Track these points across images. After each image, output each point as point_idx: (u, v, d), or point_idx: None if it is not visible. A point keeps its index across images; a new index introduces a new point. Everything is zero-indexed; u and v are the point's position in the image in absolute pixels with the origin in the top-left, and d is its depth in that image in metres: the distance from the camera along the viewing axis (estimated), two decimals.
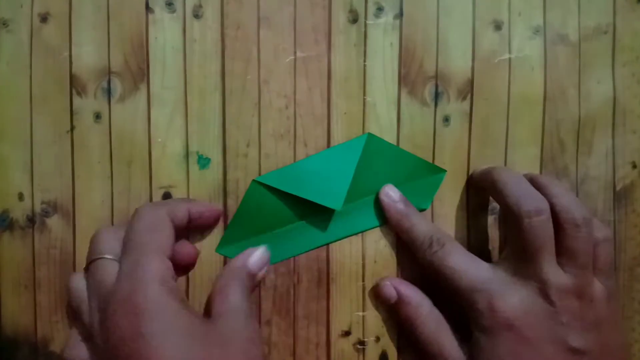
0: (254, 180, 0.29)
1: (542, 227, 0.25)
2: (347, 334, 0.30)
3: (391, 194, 0.29)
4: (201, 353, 0.21)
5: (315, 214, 0.29)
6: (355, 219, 0.30)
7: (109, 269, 0.23)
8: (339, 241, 0.30)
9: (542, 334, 0.25)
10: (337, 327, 0.30)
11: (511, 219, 0.26)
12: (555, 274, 0.25)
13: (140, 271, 0.22)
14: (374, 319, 0.30)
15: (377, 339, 0.30)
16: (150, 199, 0.29)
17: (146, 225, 0.24)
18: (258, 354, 0.23)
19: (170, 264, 0.24)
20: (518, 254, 0.26)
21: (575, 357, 0.25)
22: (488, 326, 0.26)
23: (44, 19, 0.29)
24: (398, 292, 0.29)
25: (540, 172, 0.31)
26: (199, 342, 0.22)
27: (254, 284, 0.26)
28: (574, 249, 0.25)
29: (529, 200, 0.26)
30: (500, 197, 0.27)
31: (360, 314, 0.30)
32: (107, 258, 0.24)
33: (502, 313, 0.25)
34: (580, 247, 0.25)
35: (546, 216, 0.25)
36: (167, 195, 0.29)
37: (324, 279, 0.30)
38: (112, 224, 0.29)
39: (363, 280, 0.30)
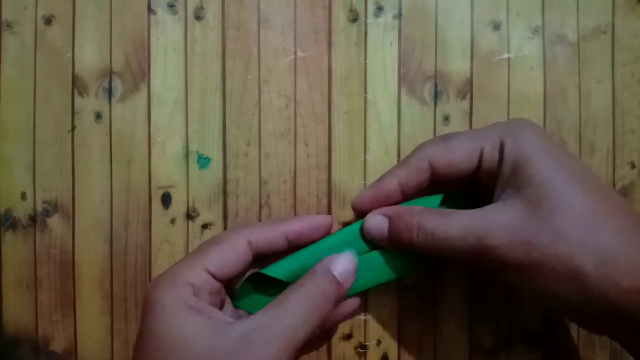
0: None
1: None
2: (348, 337, 0.29)
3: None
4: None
5: None
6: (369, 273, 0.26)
7: None
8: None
9: None
10: (338, 330, 0.29)
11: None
12: None
13: (164, 274, 0.23)
14: (375, 323, 0.29)
15: (379, 342, 0.29)
16: (149, 199, 0.29)
17: (214, 242, 0.24)
18: None
19: (205, 277, 0.23)
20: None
21: None
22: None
23: (48, 21, 0.29)
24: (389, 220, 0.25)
25: None
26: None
27: (339, 297, 0.23)
28: None
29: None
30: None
31: (362, 317, 0.29)
32: None
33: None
34: None
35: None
36: (166, 196, 0.29)
37: None
38: (111, 224, 0.29)
39: None
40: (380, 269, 0.26)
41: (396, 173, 0.25)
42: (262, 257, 0.26)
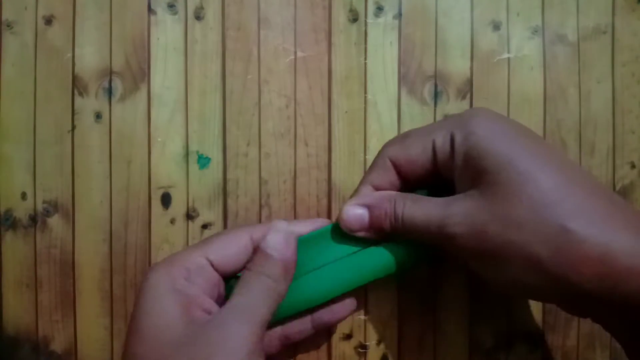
0: None
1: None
2: (348, 337, 0.29)
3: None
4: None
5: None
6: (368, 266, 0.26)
7: None
8: None
9: None
10: (338, 330, 0.29)
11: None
12: None
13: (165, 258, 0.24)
14: (375, 323, 0.29)
15: (379, 342, 0.29)
16: (149, 199, 0.29)
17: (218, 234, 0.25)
18: None
19: (203, 263, 0.23)
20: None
21: None
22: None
23: (48, 21, 0.29)
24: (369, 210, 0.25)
25: None
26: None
27: (283, 269, 0.23)
28: None
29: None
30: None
31: (362, 317, 0.29)
32: None
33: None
34: None
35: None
36: (166, 196, 0.29)
37: None
38: (111, 224, 0.29)
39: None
40: (378, 264, 0.25)
41: (367, 179, 0.26)
42: None
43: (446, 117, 0.25)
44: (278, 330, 0.26)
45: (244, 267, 0.24)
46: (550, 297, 0.22)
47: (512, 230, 0.20)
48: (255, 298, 0.22)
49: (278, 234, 0.24)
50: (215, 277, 0.24)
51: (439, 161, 0.23)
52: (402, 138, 0.25)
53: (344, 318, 0.27)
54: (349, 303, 0.27)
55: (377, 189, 0.25)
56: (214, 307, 0.23)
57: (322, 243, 0.25)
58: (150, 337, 0.21)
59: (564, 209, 0.20)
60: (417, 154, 0.24)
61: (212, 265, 0.24)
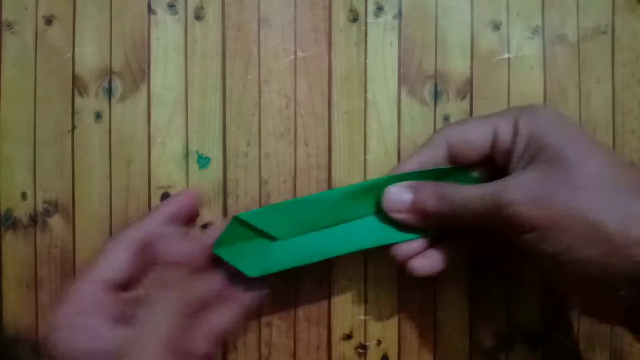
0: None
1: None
2: (348, 337, 0.29)
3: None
4: None
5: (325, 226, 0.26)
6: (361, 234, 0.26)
7: None
8: None
9: None
10: (338, 330, 0.29)
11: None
12: None
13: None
14: (375, 323, 0.29)
15: (379, 342, 0.29)
16: (149, 199, 0.28)
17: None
18: None
19: (97, 290, 0.23)
20: None
21: None
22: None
23: (48, 21, 0.28)
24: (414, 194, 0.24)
25: None
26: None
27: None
28: None
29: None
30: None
31: (362, 317, 0.29)
32: None
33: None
34: None
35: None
36: (166, 196, 0.28)
37: (325, 281, 0.29)
38: (111, 224, 0.28)
39: (365, 283, 0.29)
40: (370, 233, 0.26)
41: (416, 154, 0.26)
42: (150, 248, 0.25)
43: (507, 108, 0.25)
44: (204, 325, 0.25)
45: (135, 272, 0.24)
46: (604, 282, 0.20)
47: (578, 195, 0.20)
48: (156, 321, 0.22)
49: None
50: (110, 295, 0.23)
51: (498, 144, 0.23)
52: (463, 122, 0.26)
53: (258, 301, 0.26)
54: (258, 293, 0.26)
55: (420, 165, 0.25)
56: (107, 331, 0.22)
57: (318, 208, 0.25)
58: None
59: (627, 185, 0.20)
60: (477, 136, 0.24)
61: (106, 284, 0.23)
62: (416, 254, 0.25)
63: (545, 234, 0.20)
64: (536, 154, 0.22)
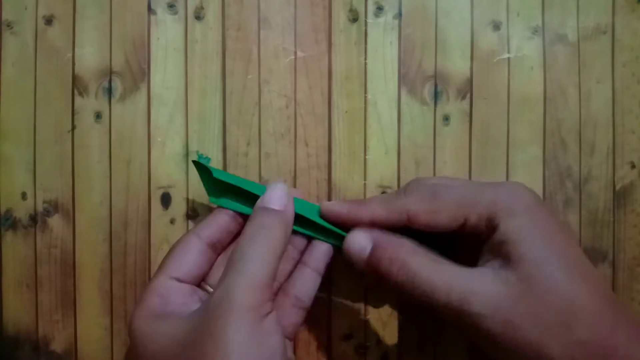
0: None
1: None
2: (348, 337, 0.28)
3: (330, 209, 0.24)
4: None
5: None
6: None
7: None
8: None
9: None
10: (338, 330, 0.28)
11: None
12: None
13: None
14: (375, 323, 0.29)
15: (379, 342, 0.29)
16: (149, 199, 0.28)
17: (170, 249, 0.25)
18: None
19: (172, 284, 0.23)
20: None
21: None
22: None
23: (48, 21, 0.28)
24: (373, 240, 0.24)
25: (543, 172, 0.29)
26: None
27: (284, 223, 0.23)
28: None
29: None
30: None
31: (362, 317, 0.28)
32: None
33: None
34: None
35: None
36: (165, 196, 0.28)
37: (325, 281, 0.28)
38: (111, 224, 0.28)
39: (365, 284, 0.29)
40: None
41: (373, 209, 0.24)
42: (224, 245, 0.25)
43: (483, 188, 0.23)
44: (292, 295, 0.25)
45: (206, 267, 0.24)
46: None
47: (538, 330, 0.20)
48: (257, 254, 0.21)
49: (276, 190, 0.23)
50: (186, 287, 0.24)
51: (466, 232, 0.23)
52: (431, 197, 0.23)
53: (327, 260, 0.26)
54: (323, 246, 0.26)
55: (373, 221, 0.24)
56: (190, 308, 0.23)
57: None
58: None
59: (586, 320, 0.20)
60: (443, 221, 0.23)
61: (179, 280, 0.23)
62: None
63: (499, 349, 0.21)
64: (511, 259, 0.21)
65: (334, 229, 0.25)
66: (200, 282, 0.25)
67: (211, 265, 0.25)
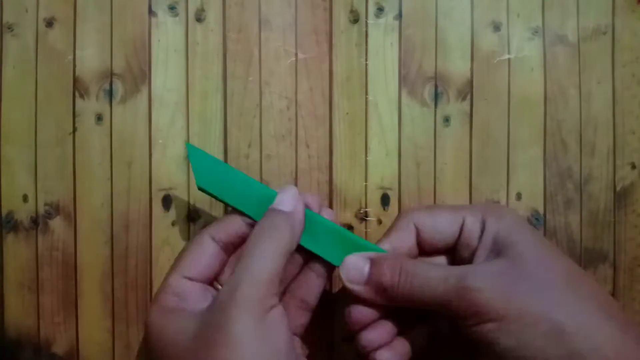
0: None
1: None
2: (350, 338, 0.28)
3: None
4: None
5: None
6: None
7: None
8: None
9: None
10: (340, 332, 0.28)
11: None
12: None
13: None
14: None
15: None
16: (150, 201, 0.28)
17: (184, 249, 0.25)
18: None
19: (185, 283, 0.23)
20: None
21: None
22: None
23: (49, 23, 0.28)
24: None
25: (544, 173, 0.29)
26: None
27: (294, 225, 0.23)
28: None
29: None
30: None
31: None
32: None
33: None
34: None
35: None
36: (166, 198, 0.28)
37: (328, 283, 0.28)
38: (112, 226, 0.28)
39: None
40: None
41: (387, 239, 0.25)
42: (235, 247, 0.25)
43: (474, 204, 0.27)
44: (298, 297, 0.25)
45: (218, 268, 0.25)
46: None
47: (545, 296, 0.20)
48: (263, 251, 0.22)
49: (287, 193, 0.24)
50: (199, 286, 0.24)
51: (464, 237, 0.24)
52: (430, 209, 0.25)
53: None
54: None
55: (393, 249, 0.24)
56: (203, 304, 0.23)
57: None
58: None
59: (591, 296, 0.21)
60: (445, 226, 0.24)
61: (192, 279, 0.24)
62: (382, 345, 0.24)
63: (505, 326, 0.20)
64: (501, 250, 0.22)
65: (327, 257, 0.25)
66: (212, 281, 0.25)
67: (223, 266, 0.25)
